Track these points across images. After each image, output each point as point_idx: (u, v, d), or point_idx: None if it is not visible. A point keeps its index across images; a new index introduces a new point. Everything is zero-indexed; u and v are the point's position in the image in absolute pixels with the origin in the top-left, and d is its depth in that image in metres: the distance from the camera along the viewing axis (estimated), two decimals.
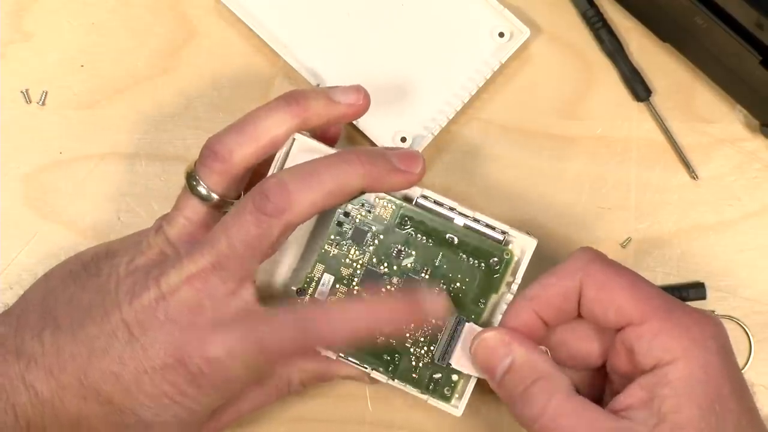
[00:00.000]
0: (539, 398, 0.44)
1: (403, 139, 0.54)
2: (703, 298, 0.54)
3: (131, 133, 0.55)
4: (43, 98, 0.56)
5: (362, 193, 0.48)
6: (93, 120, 0.55)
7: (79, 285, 0.47)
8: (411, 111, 0.54)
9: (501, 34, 0.54)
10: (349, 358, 0.49)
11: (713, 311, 0.54)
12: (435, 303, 0.47)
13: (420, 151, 0.53)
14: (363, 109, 0.49)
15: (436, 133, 0.54)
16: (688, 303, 0.53)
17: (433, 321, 0.48)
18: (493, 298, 0.48)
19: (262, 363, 0.46)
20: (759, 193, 0.55)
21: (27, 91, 0.56)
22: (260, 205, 0.45)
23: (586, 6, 0.55)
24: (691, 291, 0.54)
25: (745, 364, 0.54)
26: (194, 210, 0.48)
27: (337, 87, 0.49)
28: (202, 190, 0.48)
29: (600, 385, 0.48)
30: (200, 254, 0.46)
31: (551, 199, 0.55)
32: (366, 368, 0.49)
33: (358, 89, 0.49)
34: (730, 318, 0.54)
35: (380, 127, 0.54)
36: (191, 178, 0.48)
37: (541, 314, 0.46)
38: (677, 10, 0.51)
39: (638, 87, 0.55)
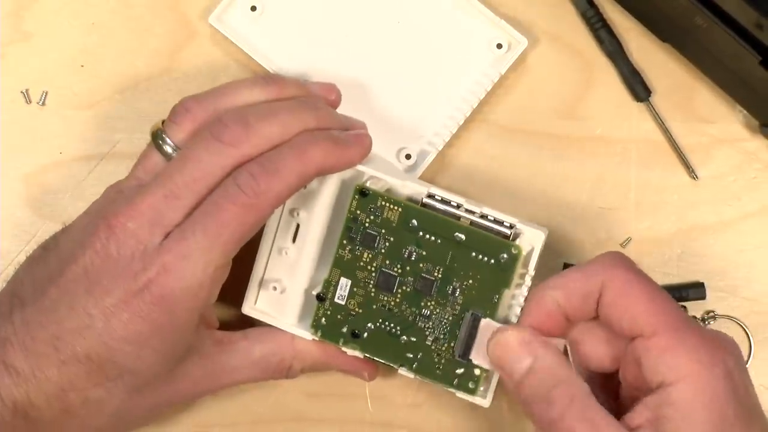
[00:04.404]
0: (559, 403, 0.43)
1: (408, 156, 0.54)
2: (703, 298, 0.54)
3: (131, 133, 0.55)
4: (43, 98, 0.56)
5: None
6: (93, 120, 0.55)
7: (41, 264, 0.48)
8: (413, 126, 0.54)
9: (499, 46, 0.54)
10: (374, 358, 0.50)
11: (713, 311, 0.54)
12: (358, 144, 0.49)
13: (426, 166, 0.54)
14: (334, 104, 0.51)
15: (440, 149, 0.54)
16: (688, 303, 0.54)
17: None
18: (506, 293, 0.48)
19: (222, 255, 0.46)
20: (759, 193, 0.55)
21: (27, 91, 0.56)
22: (217, 133, 0.46)
23: (585, 6, 0.55)
24: (691, 291, 0.54)
25: (745, 364, 0.54)
26: (155, 164, 0.48)
27: (312, 81, 0.52)
28: (168, 148, 0.48)
29: (614, 390, 0.47)
30: (155, 185, 0.46)
31: (551, 199, 0.55)
32: (393, 366, 0.50)
33: (331, 86, 0.51)
34: (730, 318, 0.54)
35: (383, 143, 0.53)
36: (157, 136, 0.48)
37: (562, 305, 0.46)
38: (677, 10, 0.51)
39: (638, 87, 0.55)
